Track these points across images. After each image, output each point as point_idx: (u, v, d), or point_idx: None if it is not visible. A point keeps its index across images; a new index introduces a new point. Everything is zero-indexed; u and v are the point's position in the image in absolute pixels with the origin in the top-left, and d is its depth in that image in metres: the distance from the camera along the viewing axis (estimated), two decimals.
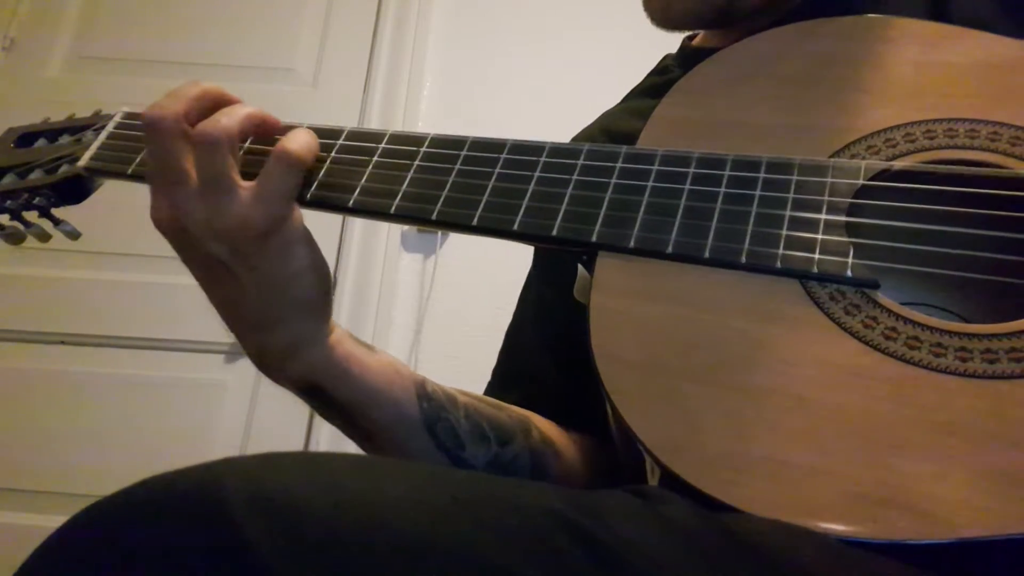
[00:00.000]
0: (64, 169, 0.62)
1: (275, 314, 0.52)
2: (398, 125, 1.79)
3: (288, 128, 0.55)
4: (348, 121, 1.80)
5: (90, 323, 1.70)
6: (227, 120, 0.50)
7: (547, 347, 0.71)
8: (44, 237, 0.64)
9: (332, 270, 1.70)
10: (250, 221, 0.49)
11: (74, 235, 0.62)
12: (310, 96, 1.86)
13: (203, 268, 0.52)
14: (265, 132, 0.55)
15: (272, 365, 0.54)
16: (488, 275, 1.65)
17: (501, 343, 0.78)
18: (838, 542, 0.35)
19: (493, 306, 1.62)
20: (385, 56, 1.87)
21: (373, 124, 1.76)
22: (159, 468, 0.34)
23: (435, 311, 1.66)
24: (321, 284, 0.53)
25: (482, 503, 0.34)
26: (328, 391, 0.54)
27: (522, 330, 0.76)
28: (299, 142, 0.52)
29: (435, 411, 0.58)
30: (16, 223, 0.63)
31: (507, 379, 0.73)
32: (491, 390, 0.72)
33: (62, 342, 1.70)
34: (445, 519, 0.32)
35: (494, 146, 0.54)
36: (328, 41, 1.92)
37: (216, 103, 0.53)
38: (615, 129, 0.73)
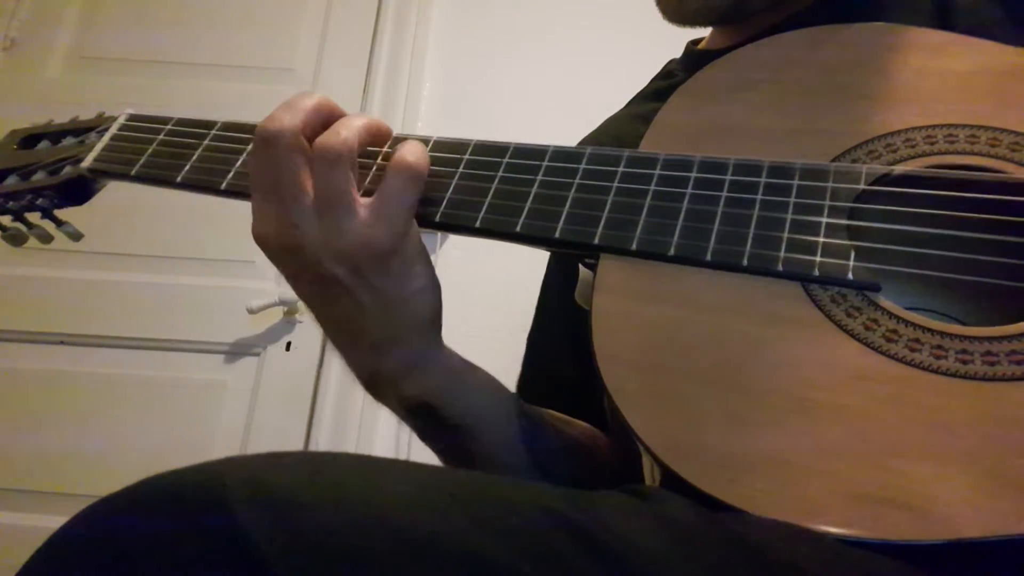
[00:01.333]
0: (68, 170, 0.61)
1: (393, 334, 0.50)
2: (397, 126, 1.79)
3: (398, 139, 0.53)
4: None
5: (90, 323, 1.70)
6: (347, 133, 0.48)
7: (578, 356, 0.69)
8: (46, 239, 0.64)
9: None
10: (373, 240, 0.47)
11: (76, 236, 0.62)
12: None
13: (315, 286, 0.50)
14: (379, 142, 0.53)
15: (384, 385, 0.52)
16: (488, 275, 1.65)
17: (524, 352, 0.76)
18: (837, 542, 0.35)
19: (493, 306, 1.62)
20: (385, 56, 1.87)
21: None
22: (159, 468, 0.34)
23: None
24: (437, 302, 0.52)
25: (481, 502, 0.34)
26: (440, 411, 0.53)
27: (548, 338, 0.75)
28: (415, 153, 0.49)
29: (532, 428, 0.57)
30: (18, 224, 0.63)
31: (538, 390, 0.71)
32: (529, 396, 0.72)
33: (62, 342, 1.70)
34: (444, 517, 0.32)
35: (497, 150, 0.54)
36: (328, 41, 1.92)
37: (330, 116, 0.50)
38: (622, 135, 0.72)
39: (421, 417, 0.54)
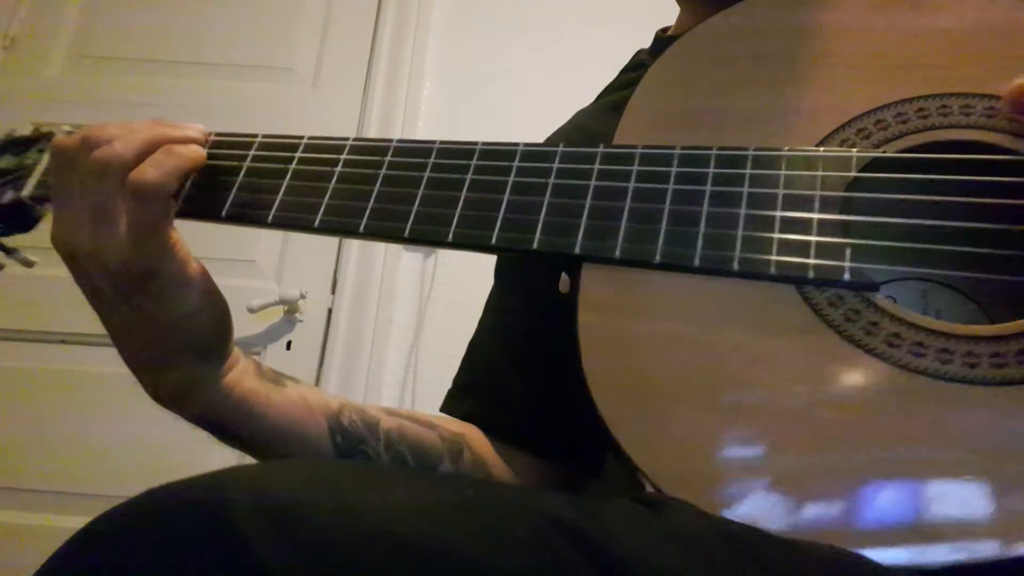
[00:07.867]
0: (9, 196, 0.56)
1: (165, 357, 0.51)
2: (398, 126, 1.78)
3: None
4: (349, 121, 1.79)
5: (90, 323, 1.69)
6: (120, 146, 0.48)
7: (509, 360, 0.69)
8: None
9: (332, 270, 1.69)
10: (127, 259, 0.47)
11: (28, 264, 0.57)
12: (310, 96, 1.86)
13: (91, 297, 0.50)
14: (171, 140, 0.51)
15: (168, 403, 0.53)
16: (488, 275, 1.64)
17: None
18: (841, 551, 0.34)
19: None
20: (385, 56, 1.86)
21: (373, 124, 1.75)
22: (160, 468, 0.34)
23: (435, 311, 1.66)
24: (215, 327, 0.52)
25: (483, 509, 0.34)
26: (230, 430, 0.53)
27: (484, 341, 0.74)
28: (146, 174, 0.47)
29: (351, 444, 0.56)
30: None
31: (465, 390, 0.71)
32: (449, 400, 0.70)
33: (62, 342, 1.70)
34: (446, 525, 0.32)
35: (463, 152, 0.50)
36: (328, 41, 1.92)
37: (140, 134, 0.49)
38: (592, 129, 0.70)
39: (214, 432, 0.54)
